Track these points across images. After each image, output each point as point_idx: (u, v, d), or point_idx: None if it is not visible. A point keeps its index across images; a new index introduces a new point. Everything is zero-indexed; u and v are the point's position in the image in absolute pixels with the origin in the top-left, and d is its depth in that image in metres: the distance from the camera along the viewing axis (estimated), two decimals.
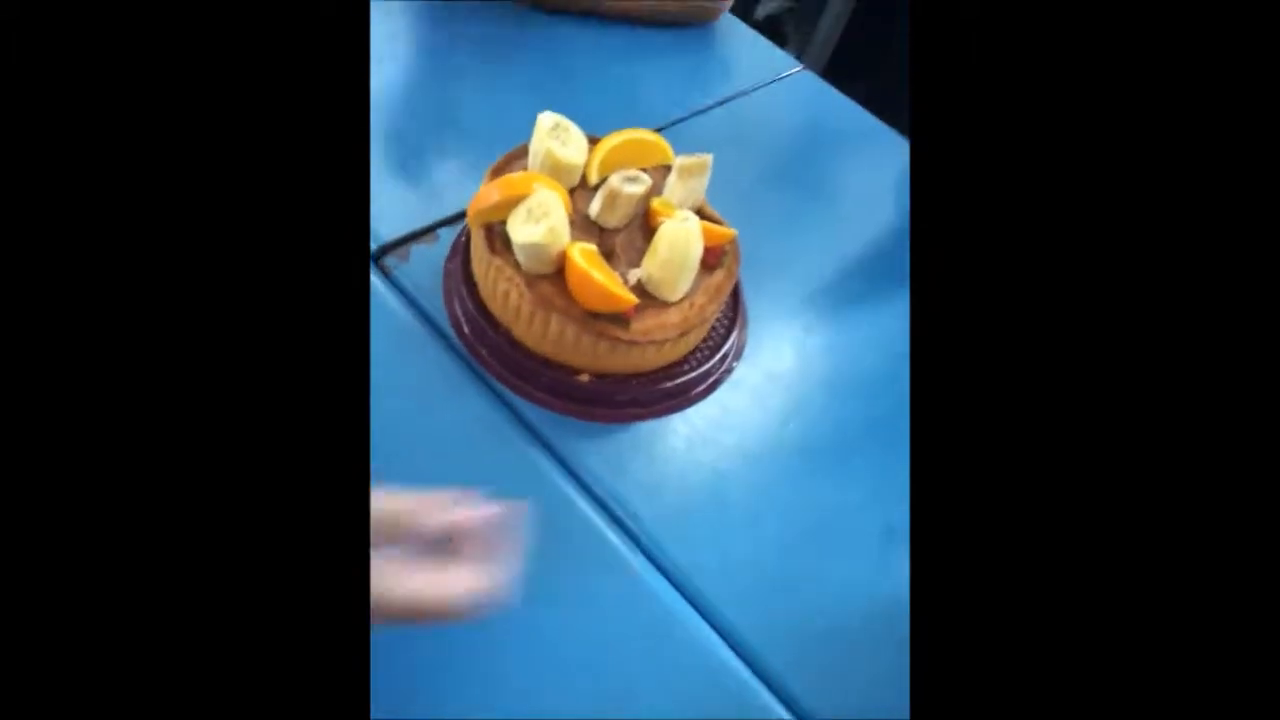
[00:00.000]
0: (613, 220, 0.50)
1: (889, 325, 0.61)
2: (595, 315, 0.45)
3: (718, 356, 0.52)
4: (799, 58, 0.93)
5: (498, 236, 0.47)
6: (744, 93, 0.80)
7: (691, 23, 0.85)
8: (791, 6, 1.22)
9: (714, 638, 0.42)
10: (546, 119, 0.50)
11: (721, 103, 0.78)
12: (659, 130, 0.71)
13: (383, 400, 0.46)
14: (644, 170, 0.55)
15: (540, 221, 0.44)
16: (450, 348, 0.50)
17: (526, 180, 0.46)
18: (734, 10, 0.87)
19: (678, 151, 0.52)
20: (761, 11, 1.19)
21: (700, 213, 0.54)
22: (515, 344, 0.48)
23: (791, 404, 0.54)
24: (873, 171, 0.76)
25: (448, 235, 0.55)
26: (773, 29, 1.16)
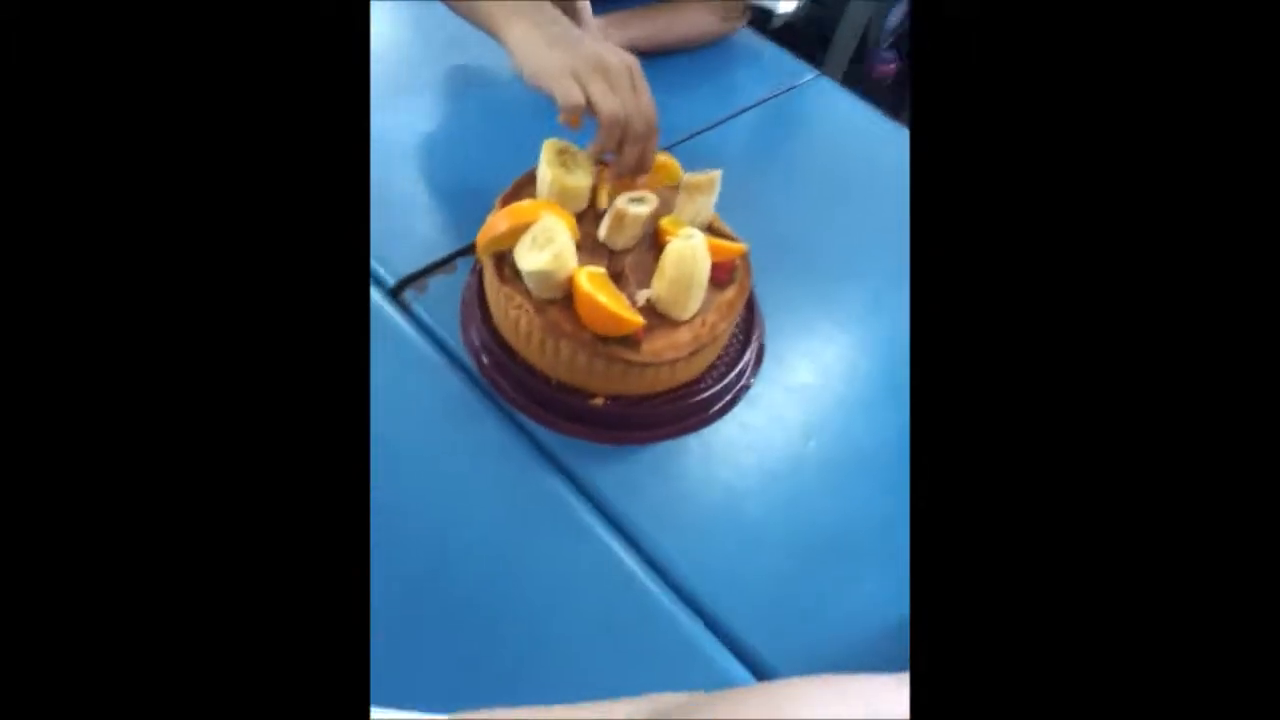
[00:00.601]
0: (621, 241, 0.50)
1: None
2: (605, 339, 0.46)
3: (734, 373, 0.52)
4: (818, 64, 0.92)
5: (507, 265, 0.48)
6: (761, 102, 0.80)
7: (717, 41, 0.84)
8: (808, 12, 1.21)
9: (733, 661, 0.41)
10: (552, 145, 0.50)
11: (738, 114, 0.78)
12: (675, 146, 0.71)
13: (406, 432, 0.47)
14: (655, 190, 0.55)
15: (545, 248, 0.44)
16: (469, 376, 0.50)
17: (533, 208, 0.47)
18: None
19: (696, 168, 0.52)
20: (777, 21, 1.18)
21: (711, 229, 0.54)
22: (530, 370, 0.49)
23: (812, 419, 0.53)
24: (891, 176, 0.75)
25: (465, 264, 0.56)
26: (789, 37, 1.15)
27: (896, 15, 1.47)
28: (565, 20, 0.57)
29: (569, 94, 0.49)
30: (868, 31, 1.24)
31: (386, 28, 0.77)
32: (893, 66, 1.49)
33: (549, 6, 0.59)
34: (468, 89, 0.73)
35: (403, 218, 0.59)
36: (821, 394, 0.55)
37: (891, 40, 1.46)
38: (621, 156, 0.51)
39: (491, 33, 0.58)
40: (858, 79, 1.30)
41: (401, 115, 0.67)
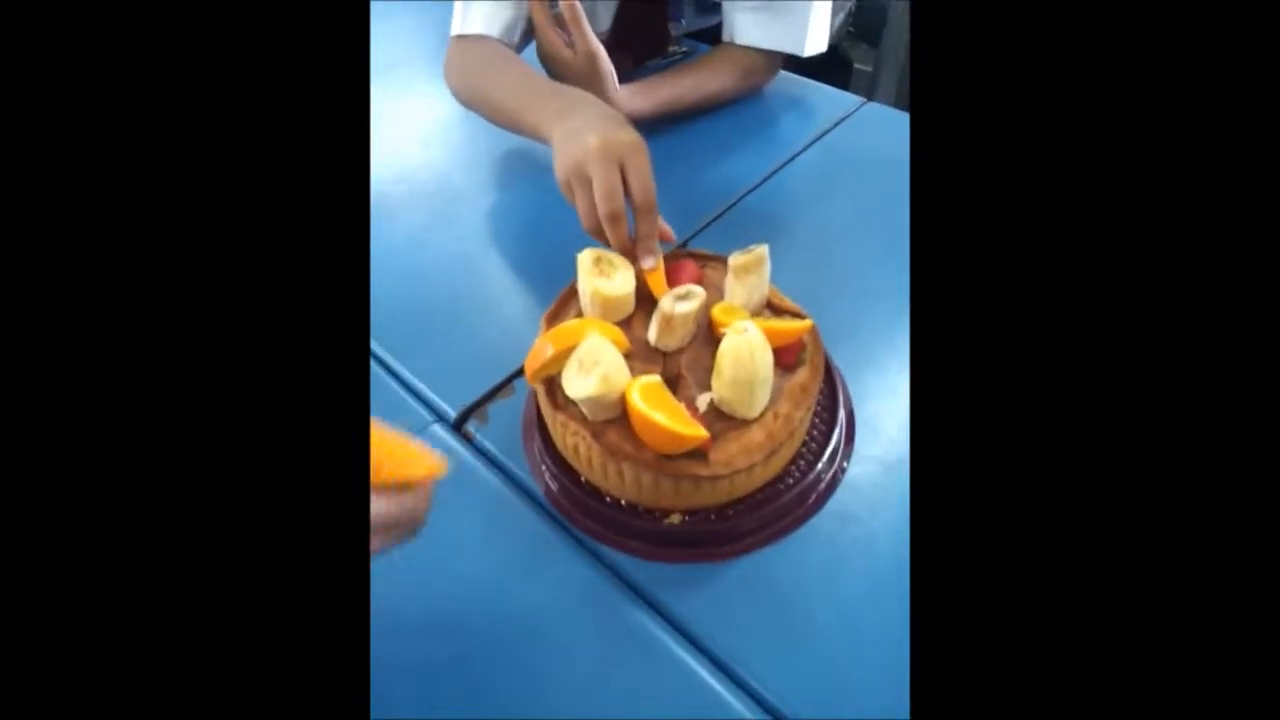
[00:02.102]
0: (673, 343, 0.47)
1: None
2: (670, 455, 0.42)
3: (823, 460, 0.47)
4: (873, 75, 0.87)
5: (559, 390, 0.45)
6: (813, 142, 0.75)
7: (754, 93, 0.81)
8: (849, 31, 1.15)
9: None
10: (587, 256, 0.48)
11: (791, 160, 0.74)
12: (732, 207, 0.68)
13: (480, 573, 0.45)
14: (705, 265, 0.52)
15: (591, 372, 0.42)
16: (539, 506, 0.48)
17: (577, 329, 0.45)
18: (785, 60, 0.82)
19: (756, 226, 0.47)
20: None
21: (770, 306, 0.50)
22: (599, 493, 0.46)
23: None
24: None
25: (523, 384, 0.55)
26: (835, 59, 1.10)
27: None
28: (590, 105, 0.56)
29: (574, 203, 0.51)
30: None
31: (417, 147, 0.79)
32: None
33: (575, 93, 0.59)
34: (504, 207, 0.73)
35: (456, 346, 0.58)
36: None
37: None
38: (634, 237, 0.50)
39: (543, 140, 0.59)
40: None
41: (441, 242, 0.68)
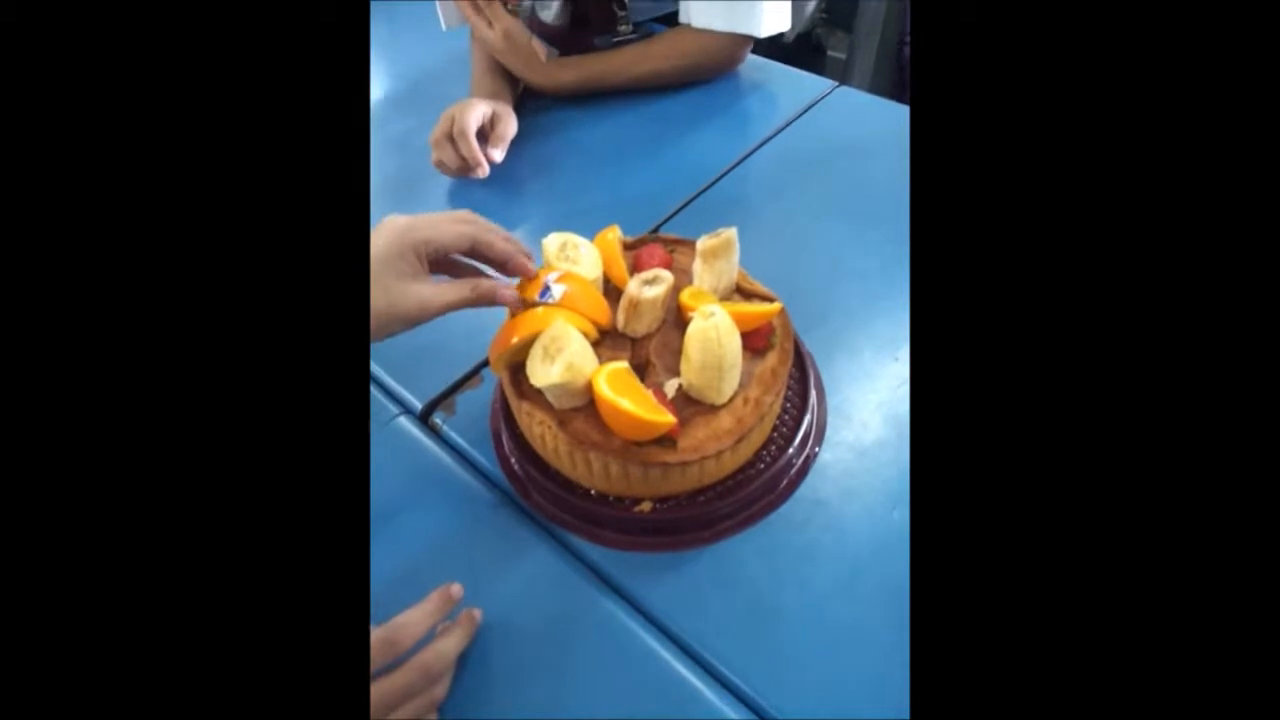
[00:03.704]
0: (641, 328, 0.46)
1: None
2: (637, 443, 0.41)
3: (794, 445, 0.46)
4: (847, 62, 0.86)
5: (524, 377, 0.44)
6: (786, 125, 0.74)
7: (716, 74, 0.81)
8: (823, 17, 1.14)
9: None
10: (552, 241, 0.47)
11: (761, 145, 0.73)
12: (700, 194, 0.67)
13: (448, 567, 0.44)
14: (673, 249, 0.51)
15: (556, 359, 0.41)
16: (508, 498, 0.47)
17: (542, 315, 0.44)
18: (758, 44, 0.81)
19: (725, 211, 0.47)
20: (791, 34, 1.12)
21: (740, 290, 0.49)
22: (568, 483, 0.45)
23: (895, 482, 0.46)
24: None
25: (492, 374, 0.54)
26: (808, 46, 1.09)
27: None
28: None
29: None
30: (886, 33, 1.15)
31: (378, 132, 0.77)
32: None
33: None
34: (468, 192, 0.72)
35: (421, 334, 0.57)
36: (901, 448, 0.48)
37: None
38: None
39: None
40: (892, 80, 1.20)
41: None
